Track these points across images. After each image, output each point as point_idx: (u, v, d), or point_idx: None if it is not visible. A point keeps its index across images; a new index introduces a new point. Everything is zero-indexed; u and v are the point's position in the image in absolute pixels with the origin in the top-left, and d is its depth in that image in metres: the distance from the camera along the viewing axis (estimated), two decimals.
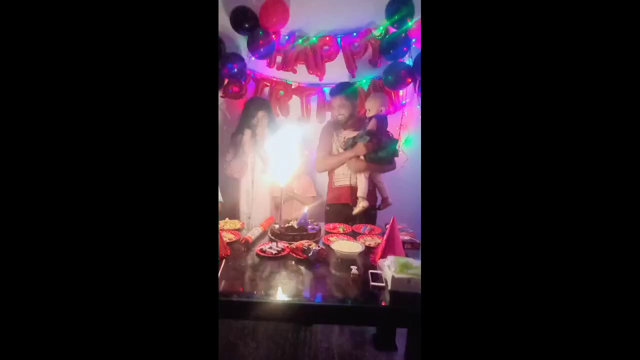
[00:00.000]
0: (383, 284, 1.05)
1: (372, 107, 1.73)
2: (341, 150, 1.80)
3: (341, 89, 1.79)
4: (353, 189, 1.80)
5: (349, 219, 1.70)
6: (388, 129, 1.78)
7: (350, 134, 1.76)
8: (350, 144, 1.72)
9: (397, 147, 1.79)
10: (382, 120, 1.73)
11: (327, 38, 2.03)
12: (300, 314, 1.04)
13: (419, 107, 2.07)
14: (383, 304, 1.00)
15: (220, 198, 1.90)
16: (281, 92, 2.12)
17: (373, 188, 1.79)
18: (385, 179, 1.86)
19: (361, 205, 1.70)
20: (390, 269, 1.05)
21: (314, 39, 2.03)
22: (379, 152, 1.69)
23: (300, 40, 2.03)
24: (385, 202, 1.81)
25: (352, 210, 1.76)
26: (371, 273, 1.09)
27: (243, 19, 1.96)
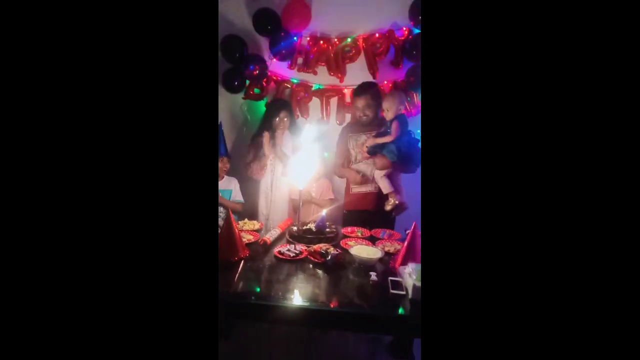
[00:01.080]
0: (403, 292, 1.02)
1: (390, 106, 1.67)
2: (358, 152, 1.79)
3: (366, 88, 1.76)
4: (369, 195, 1.77)
5: (367, 225, 1.67)
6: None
7: (369, 140, 1.72)
8: (372, 152, 1.69)
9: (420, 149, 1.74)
10: (403, 121, 1.68)
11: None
12: (316, 320, 1.02)
13: None
14: (402, 313, 0.96)
15: (241, 198, 1.93)
16: (302, 94, 2.12)
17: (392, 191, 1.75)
18: (405, 183, 1.81)
19: (392, 201, 1.68)
20: (411, 276, 1.01)
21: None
22: (403, 156, 1.64)
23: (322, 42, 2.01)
24: (401, 207, 1.77)
25: (369, 216, 1.74)
26: (391, 280, 1.06)
27: (265, 21, 1.98)
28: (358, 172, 1.78)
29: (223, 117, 2.16)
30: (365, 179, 1.78)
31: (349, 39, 2.01)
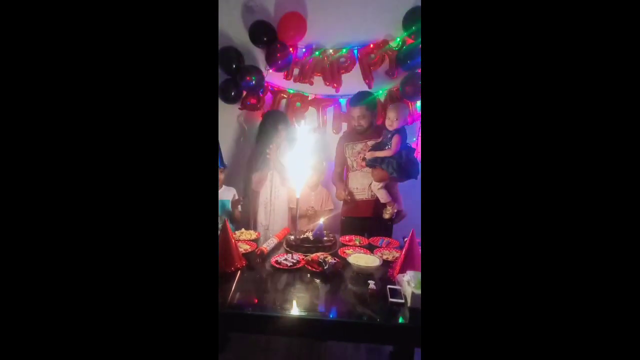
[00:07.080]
0: (402, 300, 1.01)
1: (394, 117, 1.64)
2: (354, 161, 1.81)
3: (361, 98, 1.77)
4: (367, 203, 1.78)
5: (365, 232, 1.66)
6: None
7: (368, 152, 1.71)
8: (371, 165, 1.70)
9: (419, 163, 1.73)
10: (404, 135, 1.68)
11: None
12: (315, 330, 1.00)
13: None
14: (402, 322, 0.95)
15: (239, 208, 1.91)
16: (298, 104, 2.14)
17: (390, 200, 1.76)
18: (403, 190, 1.82)
19: (390, 210, 1.69)
20: (409, 284, 1.00)
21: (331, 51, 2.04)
22: (402, 170, 1.64)
23: (317, 53, 2.05)
24: (400, 215, 1.77)
25: (367, 223, 1.74)
26: (390, 288, 1.05)
27: (261, 33, 2.01)
28: (349, 192, 1.79)
29: (219, 128, 2.16)
30: (352, 198, 1.80)
31: (344, 50, 2.04)
